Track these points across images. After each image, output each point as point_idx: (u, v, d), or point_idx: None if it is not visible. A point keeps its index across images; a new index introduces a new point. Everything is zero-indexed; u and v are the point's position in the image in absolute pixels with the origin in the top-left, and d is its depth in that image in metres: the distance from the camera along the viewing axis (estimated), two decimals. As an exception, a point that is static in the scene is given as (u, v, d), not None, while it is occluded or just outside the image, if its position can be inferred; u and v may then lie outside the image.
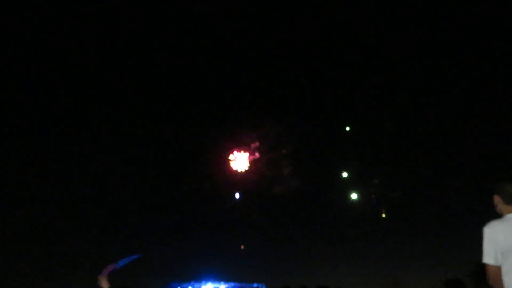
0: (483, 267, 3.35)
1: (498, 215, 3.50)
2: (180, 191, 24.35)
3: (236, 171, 19.63)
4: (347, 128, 20.75)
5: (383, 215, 21.21)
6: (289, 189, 21.24)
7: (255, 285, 19.27)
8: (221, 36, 21.59)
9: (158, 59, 22.51)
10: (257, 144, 20.08)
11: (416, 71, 21.42)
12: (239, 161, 19.63)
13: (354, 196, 20.91)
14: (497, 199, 3.50)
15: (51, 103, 22.47)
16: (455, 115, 21.22)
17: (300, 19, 21.47)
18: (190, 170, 22.99)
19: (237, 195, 20.98)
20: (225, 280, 18.80)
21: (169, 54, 22.42)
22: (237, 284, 18.86)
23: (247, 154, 19.91)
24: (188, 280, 18.52)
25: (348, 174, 20.34)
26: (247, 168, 19.80)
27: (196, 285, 18.17)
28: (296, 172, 21.26)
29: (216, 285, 18.27)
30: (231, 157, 19.71)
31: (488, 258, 3.30)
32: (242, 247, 20.58)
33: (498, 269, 3.27)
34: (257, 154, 19.99)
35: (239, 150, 19.70)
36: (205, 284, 18.18)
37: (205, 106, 22.85)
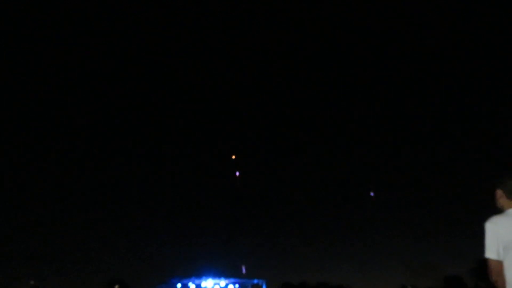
0: (484, 263, 3.39)
1: (499, 211, 3.53)
2: (183, 188, 24.39)
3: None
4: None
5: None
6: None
7: (255, 281, 19.37)
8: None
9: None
10: None
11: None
12: None
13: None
14: (499, 193, 3.52)
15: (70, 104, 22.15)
16: (456, 115, 21.10)
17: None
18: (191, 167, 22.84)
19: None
20: (226, 276, 18.89)
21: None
22: (238, 280, 18.95)
23: None
24: (189, 276, 18.62)
25: None
26: None
27: (197, 280, 18.25)
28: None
29: (217, 280, 18.35)
30: None
31: (490, 252, 3.34)
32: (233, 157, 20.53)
33: (500, 264, 3.31)
34: None
35: None
36: (205, 279, 18.26)
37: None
